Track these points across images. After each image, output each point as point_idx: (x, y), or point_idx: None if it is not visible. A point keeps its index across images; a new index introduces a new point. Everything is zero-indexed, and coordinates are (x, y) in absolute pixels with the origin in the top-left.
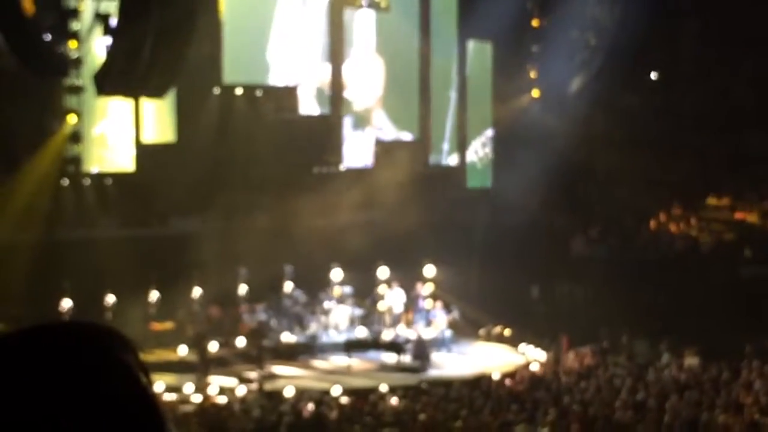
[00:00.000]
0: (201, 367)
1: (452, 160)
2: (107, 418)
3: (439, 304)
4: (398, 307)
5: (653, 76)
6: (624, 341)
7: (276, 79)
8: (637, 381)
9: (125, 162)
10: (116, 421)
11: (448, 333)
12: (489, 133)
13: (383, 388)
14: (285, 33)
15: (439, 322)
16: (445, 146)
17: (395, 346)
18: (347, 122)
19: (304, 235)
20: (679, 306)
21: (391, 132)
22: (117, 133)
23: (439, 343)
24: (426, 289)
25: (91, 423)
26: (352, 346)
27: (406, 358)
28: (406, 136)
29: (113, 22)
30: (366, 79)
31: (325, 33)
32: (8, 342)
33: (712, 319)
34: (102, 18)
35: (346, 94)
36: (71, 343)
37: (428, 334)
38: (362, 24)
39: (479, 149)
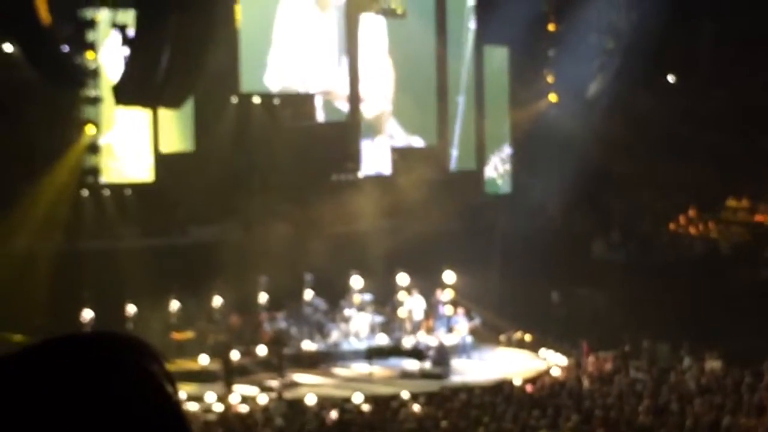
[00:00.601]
0: (224, 377)
1: (463, 166)
2: (132, 428)
3: (461, 310)
4: (418, 314)
5: (670, 78)
6: (645, 345)
7: (292, 86)
8: (659, 385)
9: (134, 173)
10: (141, 431)
11: (469, 339)
12: (507, 149)
13: (405, 395)
14: (292, 41)
15: (460, 329)
16: (454, 152)
17: (417, 353)
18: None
19: (324, 243)
20: (700, 309)
21: (402, 138)
22: (125, 143)
23: (460, 350)
24: (446, 295)
25: None
26: (373, 354)
27: (428, 365)
28: (418, 142)
29: (130, 32)
30: (377, 86)
31: (337, 40)
32: (31, 353)
33: (733, 322)
34: (119, 28)
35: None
36: (94, 353)
37: (449, 340)
38: (371, 30)
39: (498, 165)
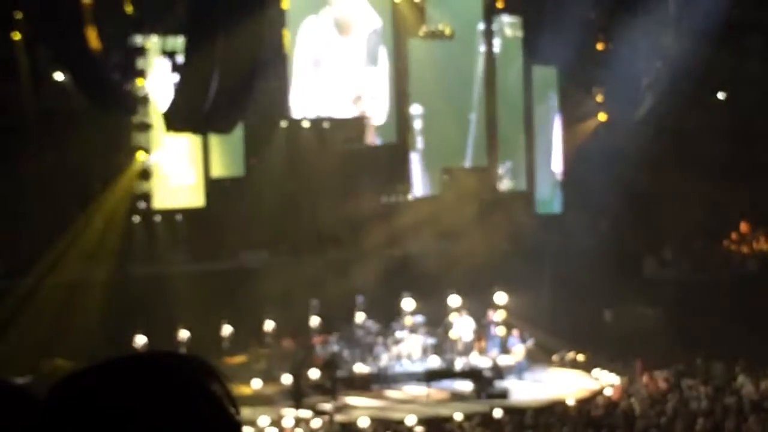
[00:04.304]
0: (294, 397)
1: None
2: None
3: (516, 332)
4: (470, 335)
5: (720, 96)
6: (699, 363)
7: (341, 111)
8: (714, 403)
9: (170, 199)
10: None
11: (523, 360)
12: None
13: (458, 416)
14: (314, 67)
15: (516, 351)
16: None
17: (474, 374)
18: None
19: (375, 265)
20: (754, 326)
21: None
22: (160, 168)
23: (514, 370)
24: (498, 315)
25: None
26: (431, 376)
27: (485, 386)
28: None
29: (179, 59)
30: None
31: (365, 64)
32: (96, 373)
33: None
34: (168, 55)
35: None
36: (158, 373)
37: (503, 361)
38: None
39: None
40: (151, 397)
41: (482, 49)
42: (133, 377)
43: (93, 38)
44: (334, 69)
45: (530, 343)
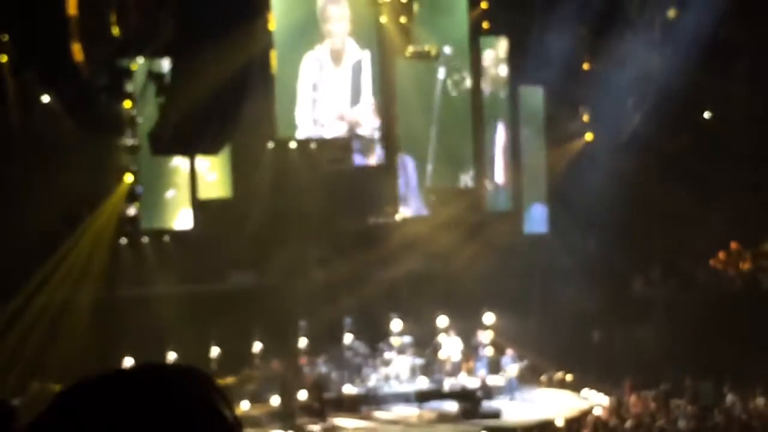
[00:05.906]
0: (286, 417)
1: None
2: None
3: (510, 351)
4: (458, 356)
5: (706, 115)
6: (688, 383)
7: (327, 131)
8: (703, 423)
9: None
10: None
11: (515, 380)
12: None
13: None
14: (311, 94)
15: (509, 370)
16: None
17: (464, 395)
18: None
19: (363, 287)
20: (743, 346)
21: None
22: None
23: (505, 390)
24: (486, 336)
25: None
26: (422, 397)
27: (474, 406)
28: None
29: (166, 81)
30: None
31: (350, 91)
32: (93, 385)
33: None
34: (155, 77)
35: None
36: (158, 383)
37: (493, 381)
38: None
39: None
40: (152, 406)
41: (441, 76)
42: (134, 386)
43: (80, 60)
44: (328, 94)
45: (524, 363)
